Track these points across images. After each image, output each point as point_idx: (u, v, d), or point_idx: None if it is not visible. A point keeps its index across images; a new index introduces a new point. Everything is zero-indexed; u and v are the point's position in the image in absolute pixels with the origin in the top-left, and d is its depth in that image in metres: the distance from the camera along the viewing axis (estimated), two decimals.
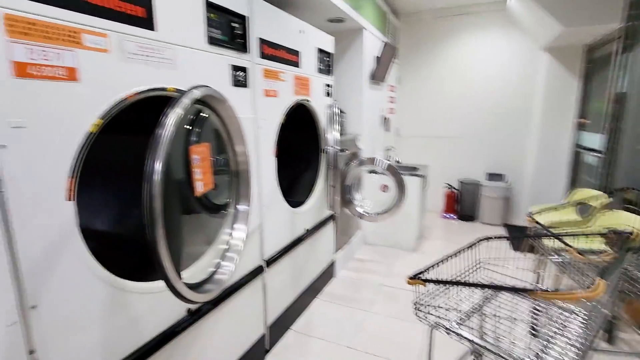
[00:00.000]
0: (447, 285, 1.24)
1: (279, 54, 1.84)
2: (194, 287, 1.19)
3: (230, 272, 1.35)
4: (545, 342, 1.11)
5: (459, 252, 1.40)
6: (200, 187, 1.25)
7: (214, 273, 1.33)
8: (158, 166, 0.92)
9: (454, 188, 4.39)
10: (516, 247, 3.18)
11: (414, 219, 3.31)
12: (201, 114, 1.46)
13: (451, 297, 1.27)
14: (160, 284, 1.15)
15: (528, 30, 3.67)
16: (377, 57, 3.40)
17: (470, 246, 1.43)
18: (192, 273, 1.33)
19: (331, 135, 2.39)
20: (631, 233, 1.34)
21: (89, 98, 0.93)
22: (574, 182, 3.64)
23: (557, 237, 1.57)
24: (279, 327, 2.05)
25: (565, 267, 1.58)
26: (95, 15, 0.94)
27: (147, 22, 1.08)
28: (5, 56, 0.76)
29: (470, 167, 4.36)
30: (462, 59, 4.17)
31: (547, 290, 0.98)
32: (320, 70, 2.33)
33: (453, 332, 1.21)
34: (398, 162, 3.85)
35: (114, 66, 0.99)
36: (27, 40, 0.80)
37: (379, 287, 2.68)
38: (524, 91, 3.95)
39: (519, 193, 4.14)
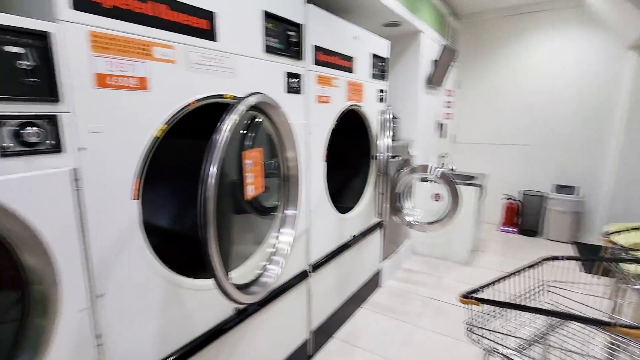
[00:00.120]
0: (506, 308, 1.14)
1: (333, 60, 1.84)
2: (241, 287, 1.23)
3: (276, 276, 1.38)
4: None
5: (520, 270, 1.28)
6: (251, 190, 1.29)
7: (260, 275, 1.36)
8: (213, 170, 0.96)
9: (515, 199, 4.06)
10: (588, 269, 2.84)
11: (469, 231, 3.11)
12: (255, 119, 1.51)
13: (510, 321, 1.16)
14: (211, 282, 1.20)
15: (612, 27, 3.28)
16: (435, 60, 3.27)
17: (533, 265, 1.30)
18: (241, 273, 1.37)
19: (382, 142, 2.33)
20: None
21: (156, 105, 1.01)
22: None
23: None
24: (323, 333, 2.04)
25: None
26: (164, 29, 1.01)
27: (209, 34, 1.15)
28: (89, 69, 0.85)
29: (534, 178, 4.00)
30: (530, 60, 3.84)
31: (631, 326, 0.85)
32: (374, 76, 2.29)
33: None
34: (453, 170, 3.66)
35: (179, 75, 1.07)
36: (107, 54, 0.88)
37: (427, 300, 2.55)
38: (604, 95, 3.53)
39: (593, 208, 3.70)
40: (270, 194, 1.56)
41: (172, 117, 1.05)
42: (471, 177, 3.34)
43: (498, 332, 1.14)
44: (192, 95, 1.11)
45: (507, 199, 4.10)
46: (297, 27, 1.55)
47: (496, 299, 1.12)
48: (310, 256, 1.84)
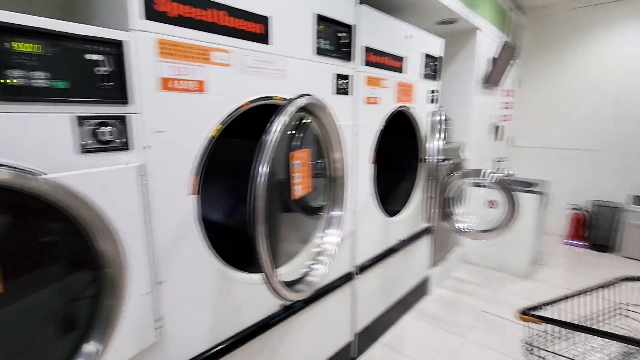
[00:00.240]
0: (573, 330, 1.03)
1: (383, 60, 1.81)
2: (288, 284, 1.25)
3: (321, 276, 1.38)
4: None
5: (591, 289, 1.15)
6: (299, 190, 1.31)
7: (306, 274, 1.38)
8: (263, 169, 0.99)
9: (583, 210, 3.67)
10: None
11: (528, 242, 2.87)
12: (303, 120, 1.53)
13: (577, 345, 1.05)
14: (259, 277, 1.24)
15: None
16: (493, 58, 3.08)
17: (608, 284, 1.16)
18: (287, 271, 1.40)
19: (432, 144, 2.24)
20: None
21: (213, 106, 1.07)
22: None
23: None
24: (367, 337, 2.01)
25: None
26: (222, 34, 1.07)
27: (263, 37, 1.19)
28: (155, 74, 0.92)
29: (606, 187, 3.59)
30: (605, 56, 3.46)
31: None
32: (426, 76, 2.21)
33: None
34: (511, 175, 3.40)
35: (234, 78, 1.12)
36: (171, 59, 0.95)
37: (479, 313, 2.40)
38: None
39: None
40: (317, 194, 1.57)
41: (227, 117, 1.11)
42: (532, 184, 3.08)
43: (562, 356, 1.03)
44: (245, 97, 1.15)
45: (573, 208, 3.72)
46: (348, 28, 1.54)
47: (561, 318, 1.01)
48: (356, 258, 1.82)
